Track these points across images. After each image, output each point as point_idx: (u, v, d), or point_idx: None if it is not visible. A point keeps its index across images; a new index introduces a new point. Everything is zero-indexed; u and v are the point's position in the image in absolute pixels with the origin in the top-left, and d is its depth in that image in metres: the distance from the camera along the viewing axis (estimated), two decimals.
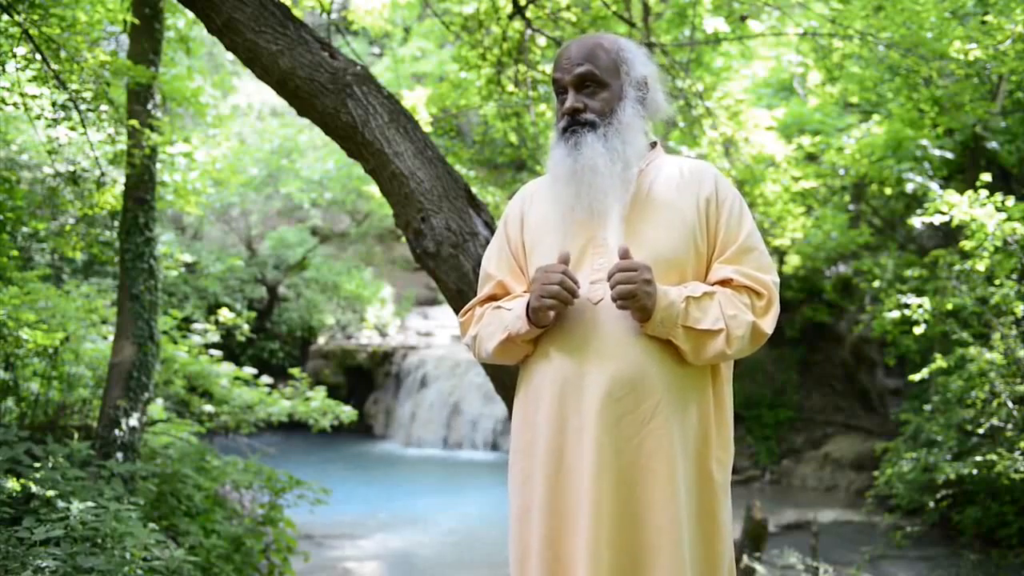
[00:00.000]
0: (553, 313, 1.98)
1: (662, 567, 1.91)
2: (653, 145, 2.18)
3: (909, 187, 8.48)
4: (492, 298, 2.19)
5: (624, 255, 1.92)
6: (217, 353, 6.93)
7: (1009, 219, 5.55)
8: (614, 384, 1.94)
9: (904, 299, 6.48)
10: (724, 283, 2.03)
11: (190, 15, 6.06)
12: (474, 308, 2.21)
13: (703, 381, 2.03)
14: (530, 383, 2.08)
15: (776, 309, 2.02)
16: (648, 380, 1.96)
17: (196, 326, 7.43)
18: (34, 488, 3.55)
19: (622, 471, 1.93)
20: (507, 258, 2.19)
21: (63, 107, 4.54)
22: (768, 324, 2.01)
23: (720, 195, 2.08)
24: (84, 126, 4.61)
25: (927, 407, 7.58)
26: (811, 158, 10.18)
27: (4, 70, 4.35)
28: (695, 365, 2.00)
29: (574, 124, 2.05)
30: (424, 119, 7.75)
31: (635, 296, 1.90)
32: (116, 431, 4.93)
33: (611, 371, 1.95)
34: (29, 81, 4.47)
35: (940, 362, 6.36)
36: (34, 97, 4.50)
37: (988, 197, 5.60)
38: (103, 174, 5.48)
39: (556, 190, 2.08)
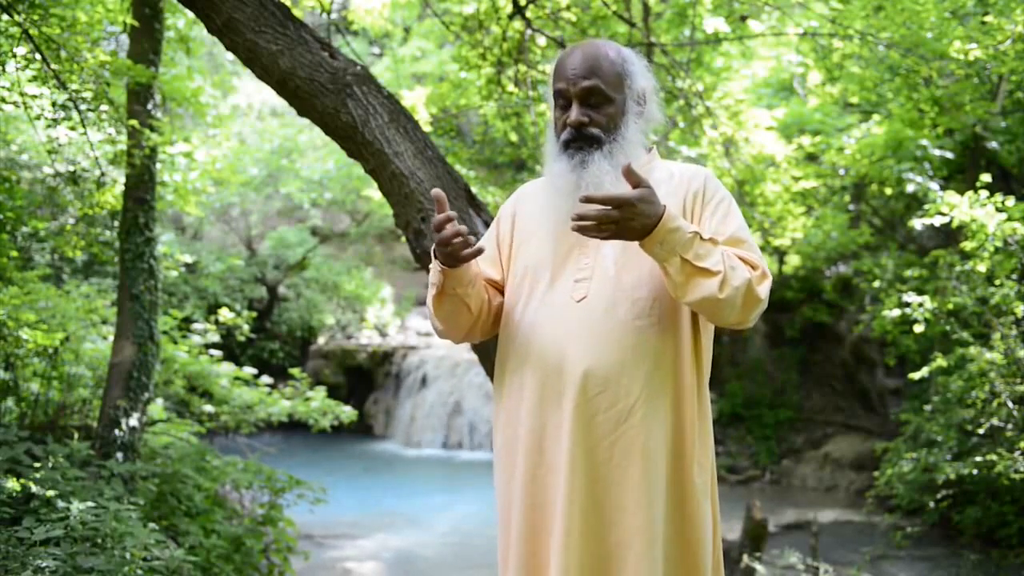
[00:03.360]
0: (458, 246, 1.94)
1: (632, 566, 1.91)
2: (648, 150, 2.18)
3: (909, 187, 8.47)
4: None
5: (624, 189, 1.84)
6: (217, 353, 6.93)
7: (1009, 219, 5.56)
8: (590, 382, 1.95)
9: (904, 298, 6.48)
10: None
11: (190, 15, 6.06)
12: None
13: (684, 383, 2.01)
14: (512, 380, 2.09)
15: (769, 282, 1.96)
16: (626, 379, 1.95)
17: (196, 326, 7.43)
18: (34, 488, 3.55)
19: (596, 469, 1.94)
20: (491, 249, 2.21)
21: (63, 107, 4.54)
22: (763, 291, 1.93)
23: (708, 192, 2.07)
24: (84, 126, 4.61)
25: (927, 407, 7.58)
26: (811, 158, 10.17)
27: (4, 70, 4.35)
28: (673, 366, 1.98)
29: (579, 139, 2.03)
30: (424, 119, 7.74)
31: (618, 226, 1.84)
32: (116, 431, 4.94)
33: (589, 369, 1.96)
34: (29, 81, 4.47)
35: (940, 362, 6.36)
36: (34, 97, 4.50)
37: (988, 197, 5.61)
38: (103, 174, 5.48)
39: (554, 202, 2.06)
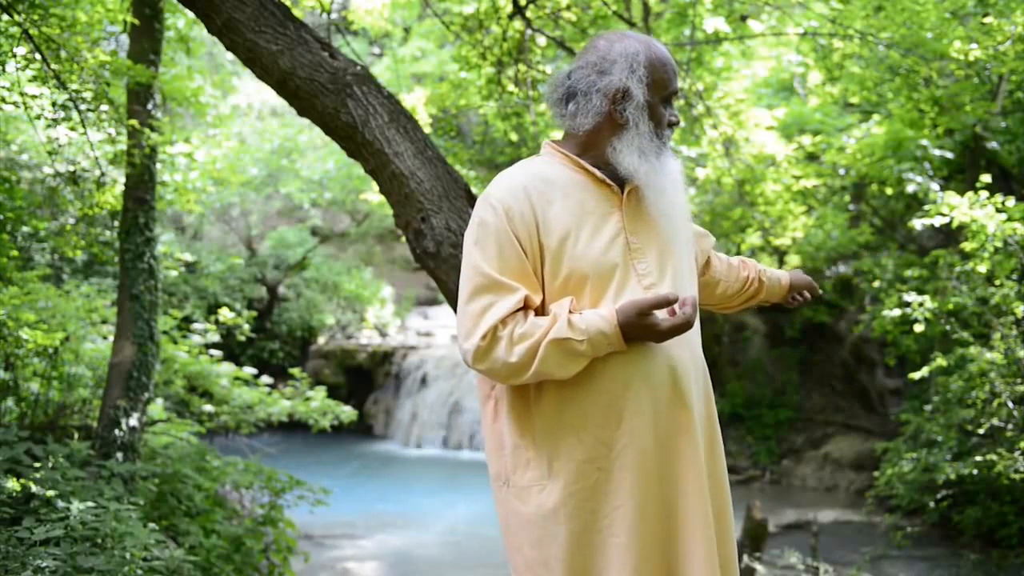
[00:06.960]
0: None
1: (724, 558, 1.97)
2: None
3: (909, 187, 8.47)
4: (520, 312, 1.89)
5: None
6: (217, 353, 6.93)
7: (1009, 219, 5.56)
8: (695, 390, 1.96)
9: (904, 297, 6.48)
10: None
11: (190, 15, 6.05)
12: (496, 328, 1.85)
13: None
14: (599, 395, 1.90)
15: None
16: (702, 383, 2.01)
17: (196, 326, 7.43)
18: (34, 488, 3.55)
19: (710, 477, 1.98)
20: (522, 265, 1.90)
21: (63, 107, 4.54)
22: None
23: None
24: (84, 126, 4.61)
25: (927, 407, 7.58)
26: (811, 158, 10.17)
27: (4, 70, 4.35)
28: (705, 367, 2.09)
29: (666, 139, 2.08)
30: (424, 119, 7.75)
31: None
32: (116, 431, 4.94)
33: (694, 376, 1.97)
34: (29, 81, 4.47)
35: (940, 362, 6.36)
36: (34, 97, 4.50)
37: (988, 198, 5.61)
38: (103, 174, 5.49)
39: (668, 197, 2.01)
